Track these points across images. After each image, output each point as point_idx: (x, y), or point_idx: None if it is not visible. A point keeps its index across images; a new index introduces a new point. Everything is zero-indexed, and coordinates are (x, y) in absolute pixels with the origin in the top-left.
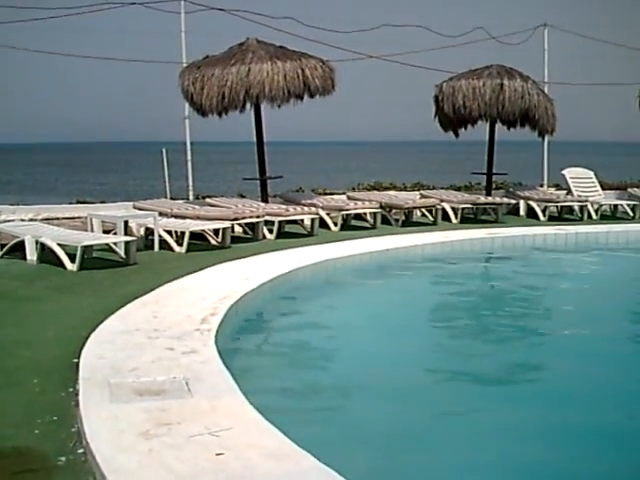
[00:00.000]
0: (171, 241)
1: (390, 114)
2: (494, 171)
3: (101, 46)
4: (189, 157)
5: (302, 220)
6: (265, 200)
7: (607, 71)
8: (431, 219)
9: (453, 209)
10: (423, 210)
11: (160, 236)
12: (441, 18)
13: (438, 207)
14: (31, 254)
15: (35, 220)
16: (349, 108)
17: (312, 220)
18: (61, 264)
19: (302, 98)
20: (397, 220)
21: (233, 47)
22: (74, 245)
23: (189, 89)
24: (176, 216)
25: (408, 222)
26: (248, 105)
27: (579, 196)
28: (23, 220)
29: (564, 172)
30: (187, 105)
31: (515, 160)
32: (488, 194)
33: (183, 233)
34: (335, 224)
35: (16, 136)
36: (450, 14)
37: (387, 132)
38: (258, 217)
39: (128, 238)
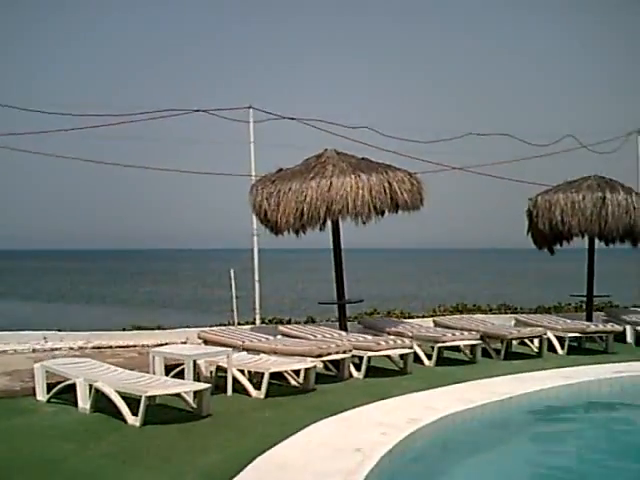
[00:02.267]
0: (247, 383)
1: (472, 223)
2: (595, 293)
3: (162, 155)
4: (257, 277)
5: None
6: (344, 327)
7: None
8: (535, 350)
9: (558, 338)
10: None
11: (233, 376)
12: (528, 126)
13: (544, 337)
14: (84, 401)
15: (85, 348)
16: (429, 218)
17: (405, 355)
18: (119, 415)
19: (388, 213)
20: (498, 352)
21: (310, 159)
22: (136, 395)
23: (262, 205)
24: (248, 349)
25: (508, 354)
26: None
27: None
28: (72, 349)
29: None
30: (255, 220)
31: (605, 271)
32: (589, 318)
33: (260, 373)
34: (429, 358)
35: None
36: (537, 122)
37: (466, 240)
38: (345, 352)
39: (202, 386)
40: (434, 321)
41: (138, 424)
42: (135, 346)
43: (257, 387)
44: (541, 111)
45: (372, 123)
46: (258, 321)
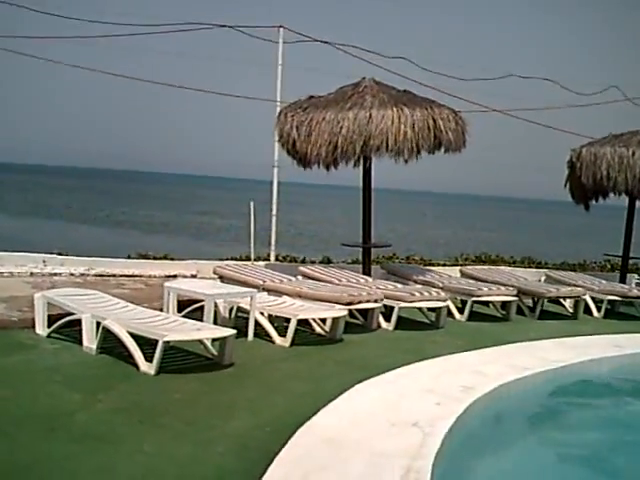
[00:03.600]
0: (271, 329)
1: (503, 170)
2: (631, 254)
3: (182, 71)
4: (274, 211)
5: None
6: (368, 272)
7: None
8: (569, 310)
9: (594, 300)
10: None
11: (256, 320)
12: (572, 75)
13: (583, 298)
14: (89, 340)
15: (87, 275)
16: (464, 162)
17: (439, 308)
18: (130, 358)
19: (432, 153)
20: (531, 309)
21: (345, 87)
22: (152, 338)
23: (291, 134)
24: (269, 290)
25: (542, 312)
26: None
27: None
28: (73, 275)
29: None
30: (277, 150)
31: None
32: (622, 280)
33: (285, 318)
34: (460, 311)
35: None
36: (582, 71)
37: (492, 187)
38: (376, 301)
39: (228, 332)
40: (461, 271)
41: (153, 372)
42: (141, 276)
43: (281, 333)
44: (586, 61)
45: (409, 55)
46: (272, 258)
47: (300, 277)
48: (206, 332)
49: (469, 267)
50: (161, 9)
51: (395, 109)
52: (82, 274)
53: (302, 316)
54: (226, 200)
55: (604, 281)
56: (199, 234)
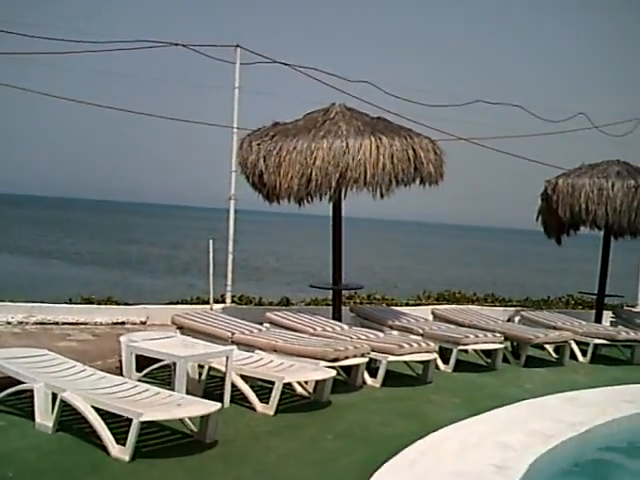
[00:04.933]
0: (251, 395)
1: (474, 200)
2: (607, 292)
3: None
4: (230, 249)
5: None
6: (338, 317)
7: None
8: (553, 355)
9: (578, 343)
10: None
11: (233, 384)
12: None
13: (570, 342)
14: (44, 416)
15: (27, 323)
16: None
17: (429, 361)
18: (96, 438)
19: (409, 186)
20: (515, 355)
21: (314, 114)
22: (125, 416)
23: (257, 165)
24: (238, 344)
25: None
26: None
27: None
28: (9, 323)
29: None
30: (233, 180)
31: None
32: (598, 319)
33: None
34: (444, 361)
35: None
36: (548, 98)
37: (469, 217)
38: (363, 356)
39: (212, 407)
40: (433, 313)
41: (127, 458)
42: (86, 324)
43: (261, 398)
44: (556, 87)
45: (373, 80)
46: (229, 300)
47: (267, 324)
48: (189, 409)
49: (440, 308)
50: (105, 27)
51: (373, 138)
52: (20, 322)
53: (288, 379)
54: (172, 229)
55: (584, 322)
56: (138, 266)
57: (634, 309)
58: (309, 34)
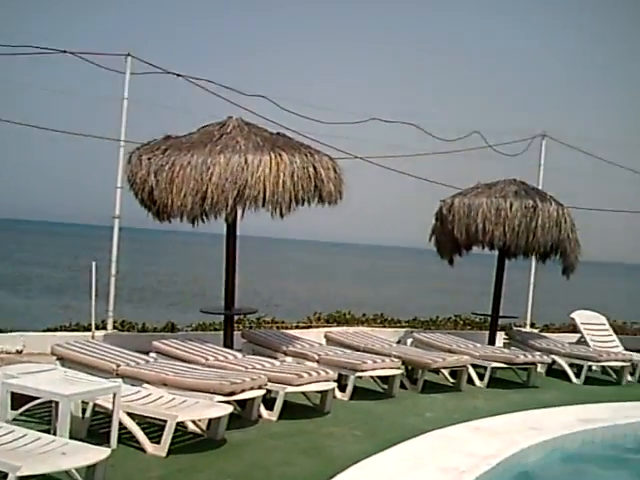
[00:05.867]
0: (141, 435)
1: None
2: (501, 313)
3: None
4: (113, 271)
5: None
6: (230, 344)
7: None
8: (450, 380)
9: (475, 367)
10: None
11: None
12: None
13: (468, 367)
14: None
15: None
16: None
17: (326, 390)
18: None
19: (309, 204)
20: (412, 380)
21: (209, 127)
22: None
23: (148, 180)
24: (124, 377)
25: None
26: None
27: (595, 347)
28: None
29: (574, 315)
30: (119, 197)
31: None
32: (492, 340)
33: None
34: (341, 388)
35: None
36: (445, 115)
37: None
38: (260, 388)
39: (102, 453)
40: (326, 336)
41: None
42: None
43: (151, 437)
44: (448, 105)
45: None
46: (110, 325)
47: (154, 354)
48: (76, 458)
49: (333, 331)
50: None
51: (273, 154)
52: None
53: (182, 417)
54: (51, 247)
55: (478, 344)
56: (12, 285)
57: (523, 329)
58: (213, 47)
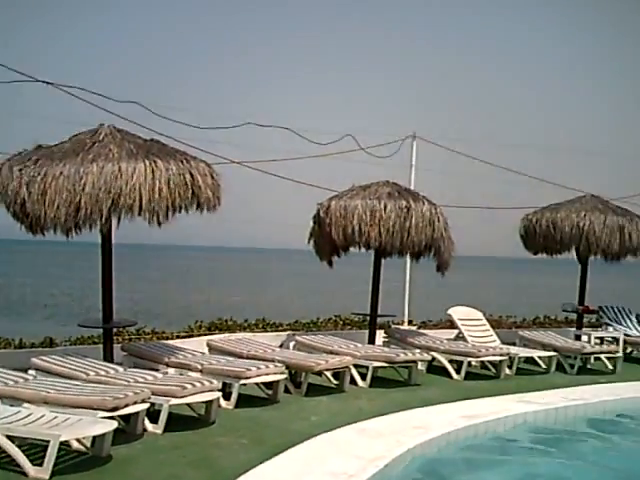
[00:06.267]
0: (21, 457)
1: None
2: (380, 311)
3: None
4: None
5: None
6: (110, 358)
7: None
8: (333, 381)
9: (358, 367)
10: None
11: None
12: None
13: (350, 368)
14: None
15: None
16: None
17: (211, 400)
18: None
19: (187, 212)
20: (297, 384)
21: (81, 135)
22: None
23: (20, 193)
24: (2, 397)
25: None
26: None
27: (473, 343)
28: None
29: (450, 312)
30: None
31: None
32: (371, 341)
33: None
34: (226, 397)
35: None
36: (317, 120)
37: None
38: (144, 401)
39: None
40: (208, 345)
41: None
42: None
43: (33, 459)
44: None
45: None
46: None
47: (33, 372)
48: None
49: (215, 338)
50: None
51: (147, 162)
52: None
53: (66, 437)
54: None
55: (359, 344)
56: None
57: (402, 327)
58: (86, 52)
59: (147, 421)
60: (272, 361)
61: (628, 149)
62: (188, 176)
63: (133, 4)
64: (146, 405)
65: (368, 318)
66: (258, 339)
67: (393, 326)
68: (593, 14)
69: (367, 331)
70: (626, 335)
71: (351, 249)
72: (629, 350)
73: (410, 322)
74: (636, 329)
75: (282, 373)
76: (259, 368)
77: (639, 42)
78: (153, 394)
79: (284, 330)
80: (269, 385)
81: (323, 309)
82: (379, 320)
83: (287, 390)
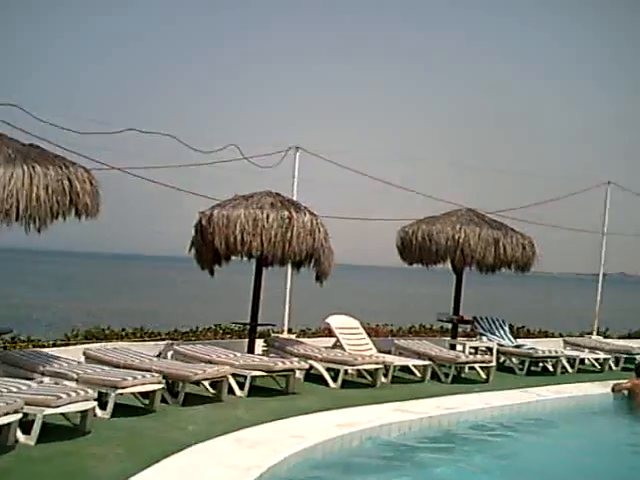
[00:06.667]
0: None
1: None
2: (261, 320)
3: None
4: None
5: None
6: None
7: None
8: (211, 391)
9: (236, 377)
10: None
11: None
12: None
13: (228, 377)
14: None
15: None
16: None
17: (86, 409)
18: None
19: (64, 219)
20: (176, 395)
21: None
22: None
23: None
24: None
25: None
26: None
27: (350, 351)
28: None
29: (329, 320)
30: None
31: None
32: (250, 350)
33: None
34: (102, 407)
35: None
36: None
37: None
38: (16, 412)
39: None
40: (85, 354)
41: None
42: None
43: None
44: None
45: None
46: None
47: None
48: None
49: (92, 347)
50: None
51: (25, 167)
52: None
53: None
54: None
55: (238, 353)
56: None
57: (281, 336)
58: None
59: (19, 432)
60: (149, 371)
61: (501, 163)
62: (66, 182)
63: None
64: (19, 415)
65: (248, 327)
66: (136, 348)
67: (273, 335)
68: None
69: (247, 340)
70: (499, 345)
71: (233, 258)
72: (502, 360)
73: (290, 331)
74: (509, 339)
75: (159, 383)
76: (135, 378)
77: None
78: (27, 404)
79: (163, 339)
80: (146, 395)
81: (203, 318)
82: (260, 329)
83: (164, 400)
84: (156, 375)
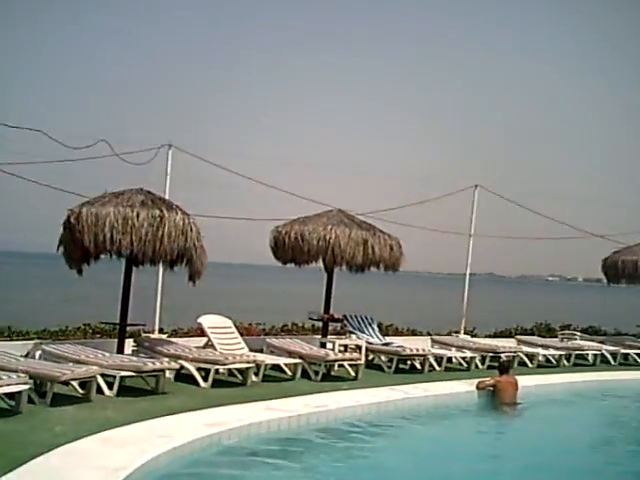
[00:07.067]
0: None
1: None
2: (131, 320)
3: None
4: None
5: None
6: None
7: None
8: (80, 391)
9: (105, 377)
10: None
11: None
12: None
13: (97, 377)
14: None
15: None
16: None
17: None
18: None
19: None
20: (44, 395)
21: None
22: None
23: None
24: None
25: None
26: None
27: (221, 351)
28: None
29: (200, 320)
30: None
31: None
32: (120, 350)
33: None
34: None
35: None
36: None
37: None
38: None
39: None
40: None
41: None
42: None
43: None
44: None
45: None
46: None
47: None
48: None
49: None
50: None
51: None
52: None
53: None
54: None
55: (107, 353)
56: None
57: (152, 335)
58: None
59: None
60: (15, 371)
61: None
62: None
63: None
64: None
65: (118, 327)
66: (3, 348)
67: (143, 335)
68: None
69: (117, 340)
70: (368, 343)
71: (102, 256)
72: (371, 357)
73: (161, 331)
74: (377, 337)
75: (25, 383)
76: (0, 379)
77: None
78: None
79: (31, 339)
80: (11, 396)
81: (73, 317)
82: (132, 329)
83: (31, 401)
84: (22, 375)
